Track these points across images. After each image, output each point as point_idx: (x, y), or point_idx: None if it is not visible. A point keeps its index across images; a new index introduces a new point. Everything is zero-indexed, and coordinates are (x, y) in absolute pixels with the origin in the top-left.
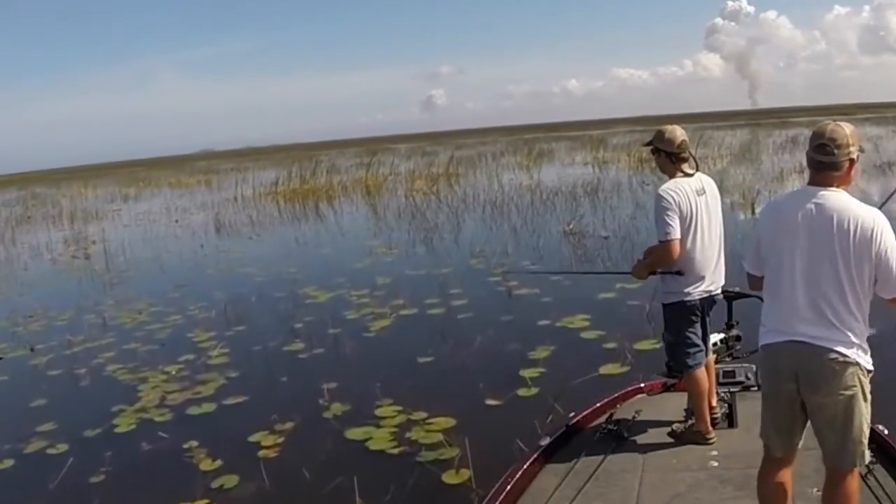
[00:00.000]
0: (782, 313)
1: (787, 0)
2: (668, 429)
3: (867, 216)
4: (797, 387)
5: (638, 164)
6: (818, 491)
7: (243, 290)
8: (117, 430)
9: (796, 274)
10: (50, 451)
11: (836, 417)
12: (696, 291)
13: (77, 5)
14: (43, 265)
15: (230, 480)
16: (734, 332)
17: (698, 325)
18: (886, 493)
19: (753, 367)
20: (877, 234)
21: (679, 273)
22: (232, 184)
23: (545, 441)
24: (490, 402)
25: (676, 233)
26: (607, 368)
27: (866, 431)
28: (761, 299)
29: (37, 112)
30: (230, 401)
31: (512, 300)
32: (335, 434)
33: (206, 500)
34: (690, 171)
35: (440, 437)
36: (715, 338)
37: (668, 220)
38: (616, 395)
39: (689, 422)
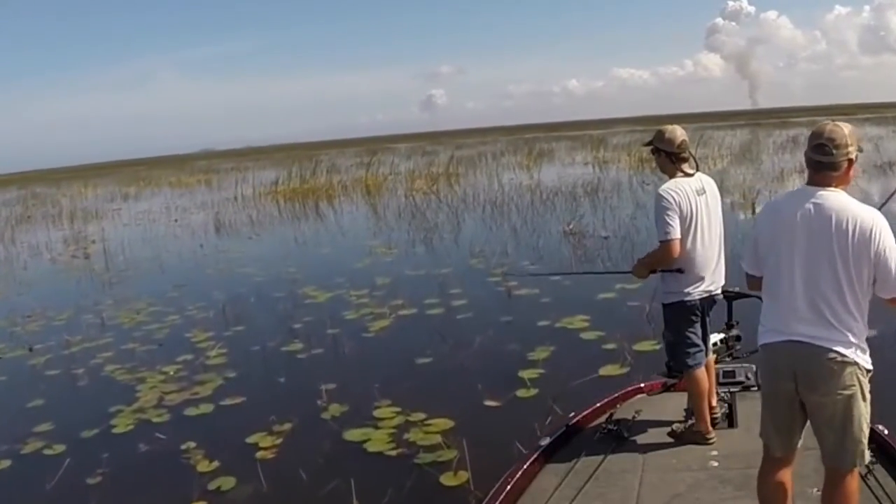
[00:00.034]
0: (781, 313)
1: (788, 0)
2: (668, 429)
3: (866, 216)
4: (796, 386)
5: (638, 164)
6: (818, 491)
7: (242, 289)
8: (115, 430)
9: (795, 274)
10: (47, 451)
11: (834, 417)
12: (696, 291)
13: (77, 5)
14: (42, 265)
15: (227, 482)
16: (734, 332)
17: (698, 325)
18: (886, 493)
19: (753, 367)
20: (875, 234)
21: (679, 271)
22: (232, 183)
23: (545, 441)
24: (489, 403)
25: (676, 233)
26: (607, 369)
27: (866, 431)
28: (761, 299)
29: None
30: (228, 401)
31: (511, 300)
32: (333, 435)
33: (203, 502)
34: (690, 171)
35: (438, 438)
36: (715, 338)
37: (668, 220)
38: (616, 395)
39: (689, 422)
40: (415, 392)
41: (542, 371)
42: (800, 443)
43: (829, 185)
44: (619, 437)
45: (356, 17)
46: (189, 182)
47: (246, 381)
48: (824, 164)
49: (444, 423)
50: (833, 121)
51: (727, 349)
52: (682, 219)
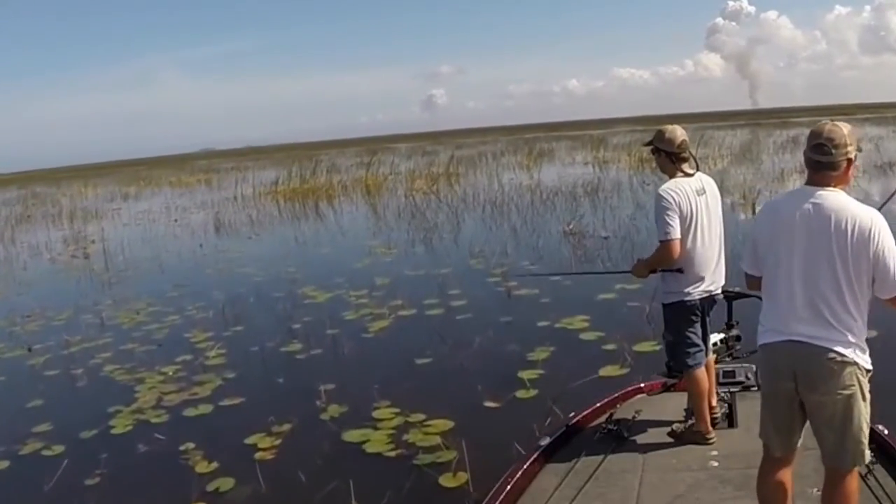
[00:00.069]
0: (780, 313)
1: (788, 0)
2: (668, 429)
3: (865, 216)
4: (795, 386)
5: (638, 164)
6: (818, 491)
7: (242, 290)
8: (113, 431)
9: (794, 274)
10: (46, 452)
11: (834, 417)
12: (697, 291)
13: (77, 5)
14: (42, 264)
15: (226, 483)
16: (734, 332)
17: (698, 325)
18: (886, 493)
19: (753, 367)
20: (874, 234)
21: (679, 271)
22: (232, 183)
23: (545, 441)
24: (488, 404)
25: (676, 233)
26: (607, 370)
27: (866, 431)
28: (761, 299)
29: (37, 111)
30: (227, 402)
31: (511, 301)
32: (332, 436)
33: (202, 503)
34: (691, 171)
35: (438, 439)
36: (715, 338)
37: (668, 220)
38: (616, 395)
39: (689, 422)
40: (414, 393)
41: (541, 372)
42: (799, 443)
43: (829, 185)
44: (619, 437)
45: (356, 17)
46: (189, 182)
47: (245, 381)
48: (823, 163)
49: (444, 423)
50: (832, 121)
51: (727, 349)
52: (682, 219)
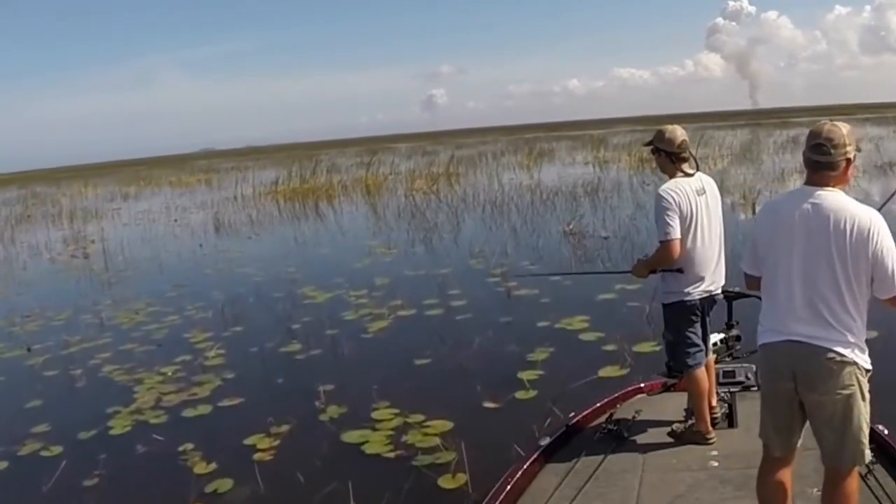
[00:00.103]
0: (779, 313)
1: (789, 0)
2: (668, 429)
3: (864, 216)
4: (795, 386)
5: (638, 164)
6: (818, 491)
7: (241, 290)
8: (112, 432)
9: (793, 274)
10: (44, 453)
11: (834, 417)
12: (696, 291)
13: (77, 5)
14: (42, 264)
15: (224, 484)
16: (734, 332)
17: (698, 325)
18: (886, 493)
19: (753, 367)
20: (873, 234)
21: (679, 271)
22: (232, 183)
23: (545, 441)
24: (488, 405)
25: (676, 233)
26: (606, 371)
27: (865, 431)
28: (761, 299)
29: (37, 111)
30: (226, 403)
31: (511, 301)
32: (331, 437)
33: None
34: (691, 171)
35: (437, 440)
36: (715, 338)
37: (668, 220)
38: (616, 395)
39: (689, 422)
40: (413, 393)
41: (541, 372)
42: (799, 443)
43: (828, 185)
44: (619, 437)
45: (356, 17)
46: (189, 182)
47: (244, 382)
48: (822, 163)
49: (443, 424)
50: (832, 121)
51: (727, 349)
52: (682, 219)
